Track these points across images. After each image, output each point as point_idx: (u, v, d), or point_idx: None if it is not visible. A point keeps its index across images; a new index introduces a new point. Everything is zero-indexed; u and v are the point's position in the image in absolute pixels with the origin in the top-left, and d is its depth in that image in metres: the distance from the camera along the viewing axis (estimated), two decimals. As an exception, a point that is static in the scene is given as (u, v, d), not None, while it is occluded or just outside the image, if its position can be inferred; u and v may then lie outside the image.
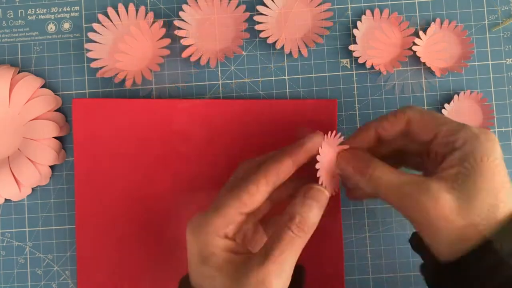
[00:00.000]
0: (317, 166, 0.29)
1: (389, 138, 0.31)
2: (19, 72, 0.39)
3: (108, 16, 0.39)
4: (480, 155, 0.26)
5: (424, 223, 0.26)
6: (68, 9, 0.40)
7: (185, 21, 0.39)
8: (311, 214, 0.27)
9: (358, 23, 0.38)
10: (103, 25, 0.39)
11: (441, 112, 0.38)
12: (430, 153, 0.29)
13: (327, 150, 0.29)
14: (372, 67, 0.38)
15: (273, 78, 0.39)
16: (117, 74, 0.38)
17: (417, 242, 0.29)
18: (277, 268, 0.26)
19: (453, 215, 0.25)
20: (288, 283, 0.27)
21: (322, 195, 0.28)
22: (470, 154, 0.26)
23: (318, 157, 0.29)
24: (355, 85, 0.39)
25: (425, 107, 0.39)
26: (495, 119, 0.38)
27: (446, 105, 0.38)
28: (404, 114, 0.29)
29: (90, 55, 0.38)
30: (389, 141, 0.31)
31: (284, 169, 0.28)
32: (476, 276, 0.25)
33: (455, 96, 0.38)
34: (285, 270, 0.26)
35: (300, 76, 0.39)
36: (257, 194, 0.28)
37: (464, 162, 0.26)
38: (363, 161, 0.29)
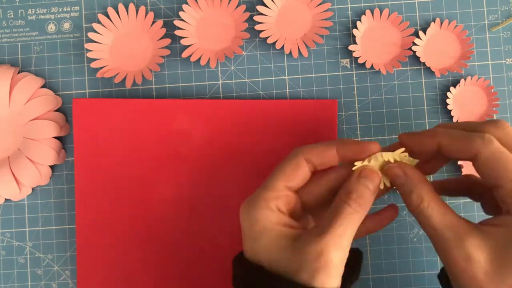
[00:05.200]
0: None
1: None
2: (19, 72, 0.39)
3: (108, 16, 0.39)
4: None
5: (453, 274, 0.25)
6: (68, 9, 0.40)
7: (185, 21, 0.39)
8: (366, 192, 0.27)
9: (358, 23, 0.38)
10: (103, 25, 0.39)
11: (445, 101, 0.38)
12: (493, 190, 0.26)
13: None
14: (372, 67, 0.38)
15: (273, 78, 0.39)
16: (117, 74, 0.38)
17: (446, 281, 0.28)
18: (336, 240, 0.25)
19: (486, 280, 0.24)
20: (345, 258, 0.26)
21: (376, 176, 0.28)
22: None
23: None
24: (355, 85, 0.39)
25: (425, 107, 0.39)
26: (495, 117, 0.38)
27: (451, 89, 0.38)
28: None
29: (90, 55, 0.38)
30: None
31: (326, 154, 0.29)
32: None
33: (462, 80, 0.38)
34: (343, 244, 0.26)
35: (300, 76, 0.39)
36: (299, 169, 0.28)
37: None
38: (417, 186, 0.27)
